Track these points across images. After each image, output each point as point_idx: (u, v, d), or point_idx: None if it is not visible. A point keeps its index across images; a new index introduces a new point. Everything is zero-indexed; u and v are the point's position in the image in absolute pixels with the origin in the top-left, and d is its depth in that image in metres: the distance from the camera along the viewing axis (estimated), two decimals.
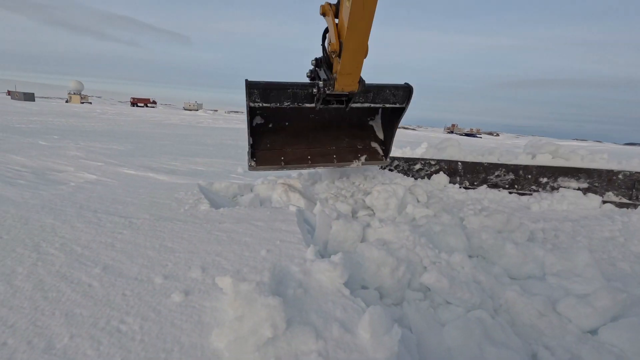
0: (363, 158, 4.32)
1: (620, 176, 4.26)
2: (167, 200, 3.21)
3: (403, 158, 5.52)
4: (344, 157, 4.30)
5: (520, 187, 4.73)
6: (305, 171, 5.21)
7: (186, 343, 1.35)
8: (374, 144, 4.49)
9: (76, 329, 1.40)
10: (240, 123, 30.69)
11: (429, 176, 5.29)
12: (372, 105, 3.81)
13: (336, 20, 3.23)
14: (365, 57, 3.21)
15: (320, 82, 3.42)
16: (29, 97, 50.01)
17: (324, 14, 3.38)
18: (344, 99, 3.71)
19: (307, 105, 3.62)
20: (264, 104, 3.48)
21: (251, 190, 4.41)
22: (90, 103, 62.31)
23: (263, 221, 2.54)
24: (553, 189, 4.54)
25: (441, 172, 5.20)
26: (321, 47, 3.57)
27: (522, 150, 5.21)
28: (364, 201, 3.94)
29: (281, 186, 3.95)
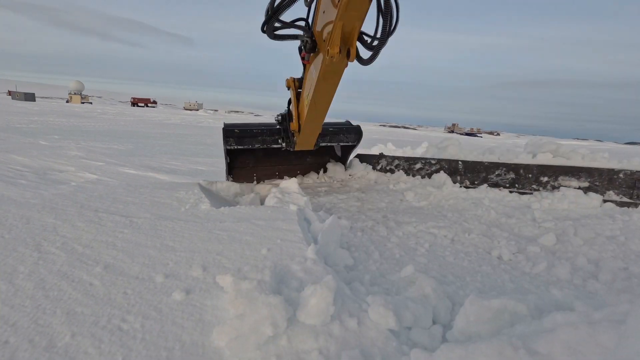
0: (322, 171, 5.56)
1: (621, 175, 4.23)
2: (167, 199, 3.22)
3: (404, 157, 5.49)
4: (307, 171, 5.49)
5: (520, 186, 4.70)
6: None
7: (187, 341, 1.35)
8: (332, 161, 5.72)
9: (77, 327, 1.40)
10: None
11: (430, 175, 5.27)
12: (329, 144, 4.94)
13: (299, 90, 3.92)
14: (319, 133, 4.08)
15: (283, 144, 4.39)
16: (30, 97, 50.04)
17: (288, 87, 3.99)
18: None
19: (275, 146, 4.54)
20: (238, 147, 4.38)
21: (252, 190, 4.41)
22: (91, 103, 62.30)
23: (264, 220, 2.55)
24: (554, 187, 4.50)
25: (442, 172, 5.19)
26: (286, 108, 4.28)
27: (523, 149, 5.18)
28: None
29: (279, 187, 3.95)
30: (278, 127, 4.48)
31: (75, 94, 64.28)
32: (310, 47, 2.99)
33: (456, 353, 1.07)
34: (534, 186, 4.62)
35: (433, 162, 5.24)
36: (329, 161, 5.69)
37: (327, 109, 3.56)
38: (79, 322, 1.43)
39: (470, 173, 5.00)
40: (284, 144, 4.40)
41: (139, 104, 70.04)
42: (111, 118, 22.38)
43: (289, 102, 4.14)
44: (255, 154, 4.99)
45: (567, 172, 4.44)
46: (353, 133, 5.08)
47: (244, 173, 5.02)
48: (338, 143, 4.97)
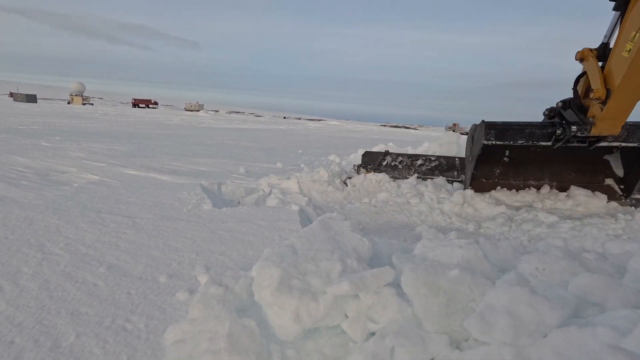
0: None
1: None
2: (170, 200, 3.23)
3: (407, 154, 5.73)
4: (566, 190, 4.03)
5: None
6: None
7: None
8: (609, 181, 4.04)
9: (82, 327, 1.41)
10: (242, 123, 30.66)
11: (432, 171, 5.44)
12: (624, 144, 3.48)
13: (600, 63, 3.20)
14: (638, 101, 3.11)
15: (574, 127, 3.34)
16: (31, 98, 50.26)
17: (582, 59, 3.36)
18: (591, 139, 3.48)
19: (543, 143, 3.55)
20: (497, 142, 3.54)
21: (256, 191, 4.41)
22: (92, 104, 62.45)
23: (266, 220, 2.55)
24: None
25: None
26: (572, 90, 3.54)
27: None
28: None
29: (280, 185, 3.96)
30: (551, 120, 3.61)
31: (76, 95, 64.43)
32: None
33: None
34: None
35: (433, 158, 5.47)
36: (602, 182, 4.03)
37: None
38: (83, 323, 1.43)
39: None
40: (573, 130, 3.33)
41: (140, 105, 70.18)
42: (112, 119, 22.42)
43: (576, 81, 3.47)
44: (500, 164, 4.16)
45: None
46: None
47: (484, 185, 4.20)
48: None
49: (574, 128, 3.32)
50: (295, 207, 2.81)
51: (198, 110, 70.08)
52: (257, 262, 1.48)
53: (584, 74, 3.39)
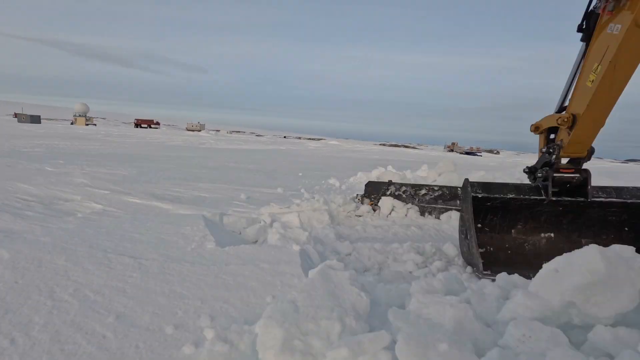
0: None
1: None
2: (174, 237, 3.31)
3: (410, 184, 5.93)
4: None
5: None
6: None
7: None
8: None
9: None
10: (243, 143, 31.01)
11: (435, 200, 5.59)
12: (616, 200, 3.41)
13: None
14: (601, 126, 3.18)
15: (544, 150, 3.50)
16: (35, 119, 51.07)
17: (537, 129, 3.67)
18: (574, 179, 3.43)
19: (534, 197, 3.47)
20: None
21: (257, 222, 4.50)
22: (95, 125, 63.28)
23: (268, 263, 2.63)
24: None
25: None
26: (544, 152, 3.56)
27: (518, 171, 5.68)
28: None
29: (278, 223, 4.05)
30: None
31: (79, 116, 65.38)
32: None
33: None
34: None
35: (436, 188, 5.67)
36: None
37: (629, 79, 2.88)
38: None
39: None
40: (550, 152, 3.42)
41: (142, 125, 71.15)
42: (115, 140, 22.71)
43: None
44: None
45: None
46: None
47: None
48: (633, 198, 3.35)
49: (550, 151, 3.41)
50: (296, 247, 2.89)
51: (199, 130, 70.87)
52: (260, 319, 1.56)
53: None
